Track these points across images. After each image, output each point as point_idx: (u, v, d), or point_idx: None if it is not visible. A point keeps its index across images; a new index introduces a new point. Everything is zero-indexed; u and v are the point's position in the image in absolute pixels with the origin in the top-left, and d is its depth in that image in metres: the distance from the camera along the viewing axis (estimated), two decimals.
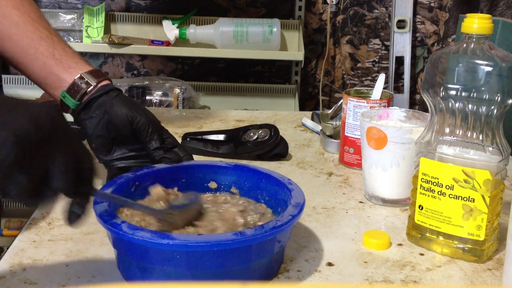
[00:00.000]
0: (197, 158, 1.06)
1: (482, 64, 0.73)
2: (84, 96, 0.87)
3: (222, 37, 2.13)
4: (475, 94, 0.74)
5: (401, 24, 2.36)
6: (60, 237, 0.79)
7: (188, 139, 1.12)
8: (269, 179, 0.79)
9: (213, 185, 0.82)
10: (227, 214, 0.75)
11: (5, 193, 0.56)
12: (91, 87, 0.87)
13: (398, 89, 2.44)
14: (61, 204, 0.63)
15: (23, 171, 0.55)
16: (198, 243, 0.63)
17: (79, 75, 0.88)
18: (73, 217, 0.64)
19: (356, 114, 1.05)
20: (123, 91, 2.24)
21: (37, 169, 0.57)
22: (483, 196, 0.73)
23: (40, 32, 0.91)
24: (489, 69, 0.73)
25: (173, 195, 0.76)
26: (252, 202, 0.79)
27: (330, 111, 1.21)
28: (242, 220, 0.73)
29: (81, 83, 0.87)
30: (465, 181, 0.74)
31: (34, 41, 0.90)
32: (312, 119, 1.33)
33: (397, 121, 0.95)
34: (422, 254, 0.78)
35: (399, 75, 2.41)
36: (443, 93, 0.75)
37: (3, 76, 2.34)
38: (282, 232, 0.67)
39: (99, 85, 0.88)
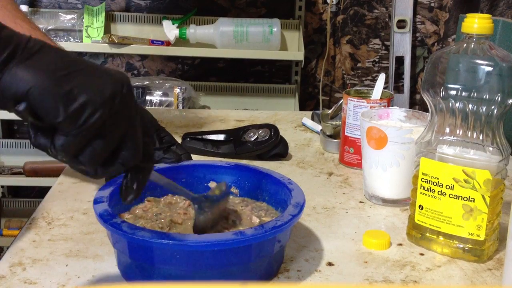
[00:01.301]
0: (197, 158, 1.06)
1: (482, 64, 0.73)
2: None
3: (222, 37, 2.13)
4: (475, 94, 0.74)
5: (401, 24, 2.36)
6: (60, 237, 0.79)
7: (188, 139, 1.12)
8: (270, 179, 0.79)
9: (213, 184, 0.82)
10: (244, 215, 0.75)
11: (76, 159, 0.54)
12: None
13: (398, 89, 2.44)
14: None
15: (101, 136, 0.53)
16: (198, 242, 0.63)
17: None
18: (130, 193, 0.60)
19: (356, 114, 1.05)
20: None
21: (114, 136, 0.54)
22: (483, 196, 0.73)
23: (22, 28, 0.86)
24: (489, 69, 0.73)
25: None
26: (252, 201, 0.80)
27: (330, 111, 1.21)
28: (258, 220, 0.74)
29: None
30: (465, 181, 0.74)
31: None
32: (312, 119, 1.33)
33: (397, 121, 0.95)
34: (422, 254, 0.78)
35: (399, 75, 2.41)
36: (443, 93, 0.75)
37: None
38: (282, 232, 0.67)
39: None
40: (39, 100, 0.50)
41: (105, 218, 0.66)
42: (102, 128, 0.53)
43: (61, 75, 0.51)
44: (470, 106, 0.74)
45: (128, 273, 0.70)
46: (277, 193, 0.77)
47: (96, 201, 0.69)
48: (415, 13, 2.40)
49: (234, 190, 0.82)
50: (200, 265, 0.64)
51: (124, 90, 0.54)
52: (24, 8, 2.18)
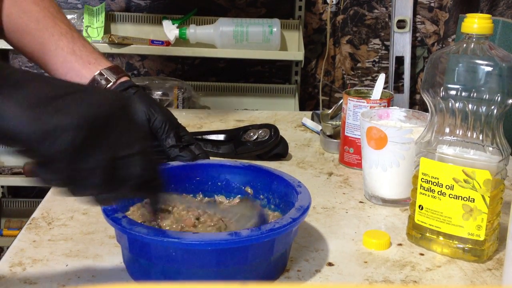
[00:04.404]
0: None
1: (482, 64, 0.73)
2: None
3: (222, 37, 2.13)
4: (475, 94, 0.74)
5: (401, 24, 2.36)
6: (60, 237, 0.79)
7: None
8: (280, 180, 0.79)
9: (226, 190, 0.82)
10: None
11: (85, 184, 0.54)
12: (111, 83, 0.90)
13: (398, 89, 2.44)
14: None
15: (96, 154, 0.53)
16: (192, 241, 0.63)
17: (98, 72, 0.90)
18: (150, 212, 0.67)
19: (356, 114, 1.05)
20: None
21: (110, 152, 0.54)
22: (483, 196, 0.73)
23: (60, 27, 0.92)
24: (489, 69, 0.73)
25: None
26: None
27: (330, 111, 1.21)
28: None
29: (100, 79, 0.89)
30: (465, 181, 0.74)
31: (54, 37, 0.91)
32: (312, 119, 1.33)
33: (397, 121, 0.95)
34: (422, 254, 0.78)
35: (399, 75, 2.41)
36: (443, 93, 0.75)
37: None
38: (282, 235, 0.67)
39: (118, 81, 0.91)
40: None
41: (108, 213, 0.67)
42: (91, 146, 0.53)
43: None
44: (470, 106, 0.74)
45: (130, 267, 0.71)
46: (287, 195, 0.77)
47: None
48: (415, 13, 2.40)
49: (248, 190, 0.82)
50: (195, 263, 0.65)
51: (100, 117, 0.54)
52: None
